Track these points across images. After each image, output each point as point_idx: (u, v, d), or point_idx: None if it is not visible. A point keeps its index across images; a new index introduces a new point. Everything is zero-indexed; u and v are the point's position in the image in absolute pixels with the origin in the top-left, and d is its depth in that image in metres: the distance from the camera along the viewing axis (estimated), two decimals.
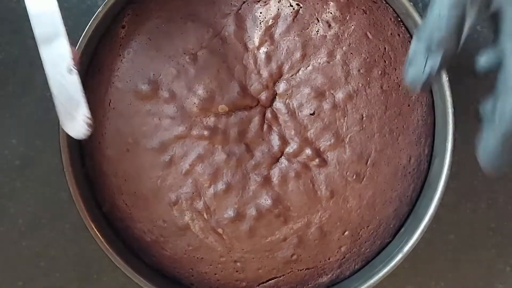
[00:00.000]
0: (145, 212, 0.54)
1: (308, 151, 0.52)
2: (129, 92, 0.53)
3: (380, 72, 0.52)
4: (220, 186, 0.52)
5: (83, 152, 0.55)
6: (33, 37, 0.60)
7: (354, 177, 0.53)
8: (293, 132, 0.52)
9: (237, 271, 0.54)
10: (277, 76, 0.52)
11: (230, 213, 0.53)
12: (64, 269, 0.62)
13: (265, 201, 0.52)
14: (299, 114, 0.52)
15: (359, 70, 0.52)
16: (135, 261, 0.55)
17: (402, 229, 0.55)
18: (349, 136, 0.52)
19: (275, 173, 0.52)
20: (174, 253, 0.54)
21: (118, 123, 0.53)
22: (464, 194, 0.62)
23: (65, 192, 0.60)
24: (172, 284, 0.55)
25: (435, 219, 0.62)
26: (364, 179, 0.53)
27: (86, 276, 0.62)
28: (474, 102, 0.62)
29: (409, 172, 0.54)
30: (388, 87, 0.53)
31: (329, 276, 0.55)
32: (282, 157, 0.52)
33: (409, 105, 0.53)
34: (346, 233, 0.54)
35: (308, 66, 0.52)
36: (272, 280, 0.55)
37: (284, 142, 0.52)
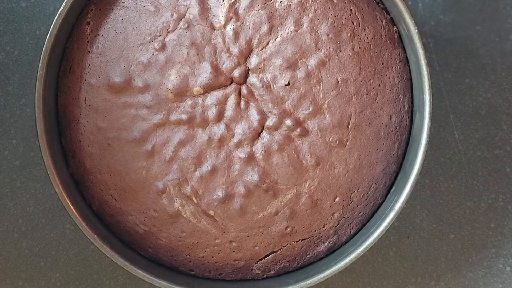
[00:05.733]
0: (135, 204, 0.54)
1: (288, 122, 0.52)
2: (102, 87, 0.52)
3: (349, 34, 0.52)
4: (206, 168, 0.52)
5: (66, 153, 0.54)
6: (33, 37, 0.62)
7: (338, 142, 0.53)
8: (270, 105, 0.52)
9: (234, 251, 0.54)
10: (247, 52, 0.52)
11: (219, 194, 0.53)
12: (64, 269, 0.62)
13: (252, 177, 0.52)
14: (274, 86, 0.52)
15: (328, 35, 0.52)
16: (132, 254, 0.54)
17: (393, 188, 0.55)
18: (327, 102, 0.52)
19: (258, 148, 0.52)
20: (169, 241, 0.54)
21: (96, 120, 0.53)
22: (464, 194, 0.63)
23: None
24: (172, 273, 0.55)
25: (435, 219, 0.62)
26: (348, 142, 0.53)
27: (86, 276, 0.62)
28: (474, 102, 0.63)
29: (392, 130, 0.54)
30: (360, 48, 0.52)
31: (326, 244, 0.55)
32: (263, 131, 0.52)
33: (382, 64, 0.53)
34: (337, 199, 0.54)
35: (277, 37, 0.52)
36: (270, 256, 0.55)
37: (263, 116, 0.52)
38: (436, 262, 0.63)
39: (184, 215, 0.53)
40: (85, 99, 0.53)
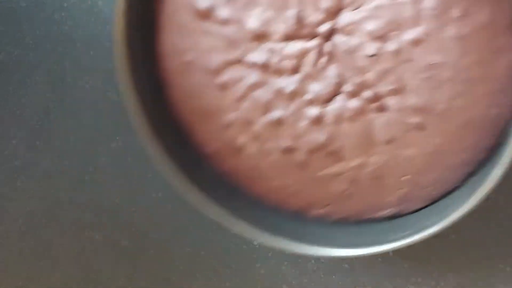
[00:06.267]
0: (202, 129, 0.53)
1: (366, 93, 0.47)
2: (188, 8, 0.50)
3: (460, 12, 0.44)
4: (273, 116, 0.50)
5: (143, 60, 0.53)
6: (33, 37, 0.61)
7: (417, 125, 0.48)
8: (351, 72, 0.47)
9: (290, 196, 0.53)
10: (338, 9, 0.46)
11: (282, 144, 0.50)
12: (64, 269, 0.63)
13: (317, 138, 0.49)
14: (359, 53, 0.47)
15: (433, 10, 0.45)
16: (191, 172, 0.54)
17: (475, 177, 0.50)
18: (413, 83, 0.46)
19: (329, 112, 0.49)
20: (231, 170, 0.54)
21: (175, 38, 0.51)
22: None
23: (65, 193, 0.61)
24: (232, 196, 0.55)
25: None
26: (429, 127, 0.48)
27: (86, 276, 0.63)
28: None
29: (484, 124, 0.48)
30: (469, 30, 0.45)
31: (386, 212, 0.53)
32: (338, 96, 0.48)
33: (493, 52, 0.45)
34: (406, 177, 0.50)
35: (374, 1, 0.45)
36: (326, 207, 0.54)
37: (341, 80, 0.48)
38: (436, 262, 0.60)
39: (247, 152, 0.52)
40: (169, 14, 0.51)
